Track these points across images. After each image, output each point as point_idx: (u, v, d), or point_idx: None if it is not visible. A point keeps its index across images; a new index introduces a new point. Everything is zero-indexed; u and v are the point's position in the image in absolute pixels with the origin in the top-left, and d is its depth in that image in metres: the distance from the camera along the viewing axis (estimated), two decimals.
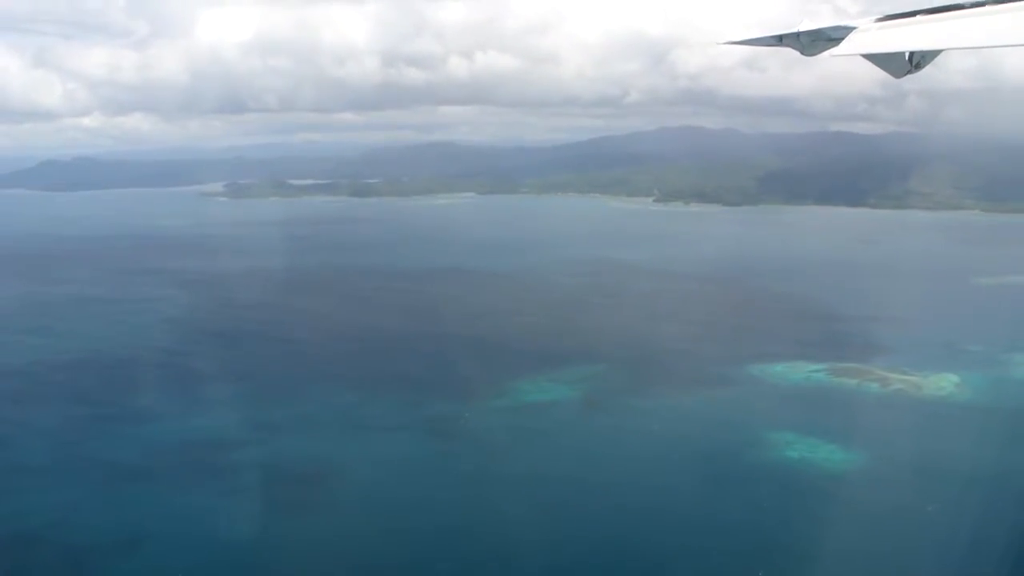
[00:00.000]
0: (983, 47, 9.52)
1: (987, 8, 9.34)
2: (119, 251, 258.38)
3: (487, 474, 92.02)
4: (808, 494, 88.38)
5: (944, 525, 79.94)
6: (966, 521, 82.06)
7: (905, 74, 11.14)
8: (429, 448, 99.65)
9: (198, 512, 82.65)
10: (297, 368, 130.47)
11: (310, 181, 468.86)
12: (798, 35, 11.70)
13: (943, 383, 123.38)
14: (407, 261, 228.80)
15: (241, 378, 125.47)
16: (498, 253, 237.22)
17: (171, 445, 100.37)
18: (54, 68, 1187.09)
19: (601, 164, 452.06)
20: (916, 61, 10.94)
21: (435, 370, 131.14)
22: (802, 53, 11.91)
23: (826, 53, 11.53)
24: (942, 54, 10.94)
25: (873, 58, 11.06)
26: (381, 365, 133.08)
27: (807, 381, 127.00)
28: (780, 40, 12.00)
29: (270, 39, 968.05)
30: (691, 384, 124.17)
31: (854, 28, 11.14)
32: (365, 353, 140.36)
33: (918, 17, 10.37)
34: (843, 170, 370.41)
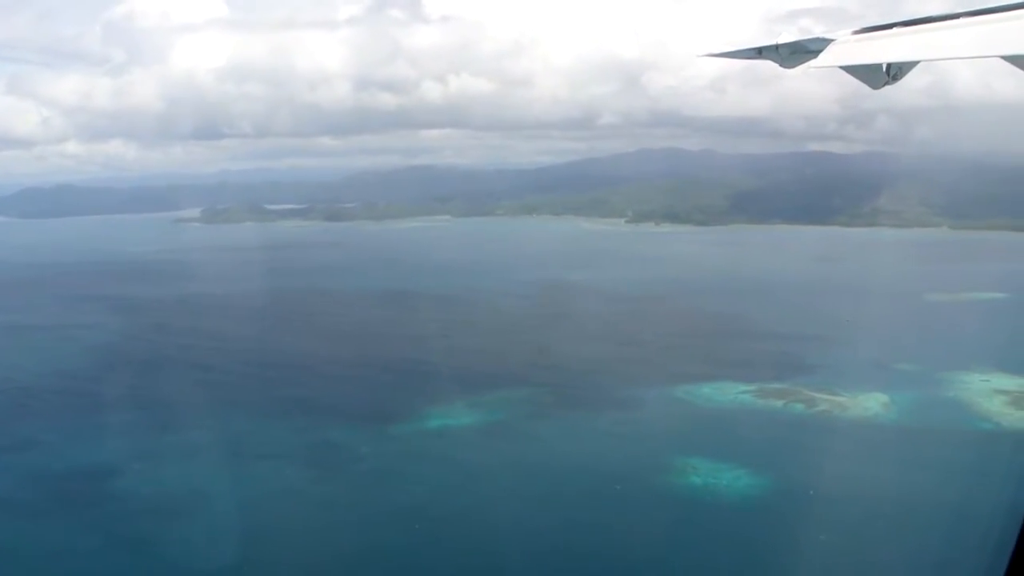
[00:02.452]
0: (958, 58, 9.80)
1: (961, 20, 9.27)
2: (73, 278, 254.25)
3: (360, 504, 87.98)
4: (694, 522, 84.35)
5: (827, 557, 76.19)
6: (855, 552, 78.66)
7: (883, 85, 11.29)
8: (306, 477, 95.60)
9: (39, 546, 78.51)
10: (203, 395, 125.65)
11: (286, 206, 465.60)
12: (777, 47, 11.76)
13: (870, 403, 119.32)
14: (359, 284, 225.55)
15: (141, 406, 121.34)
16: (453, 276, 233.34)
17: (40, 475, 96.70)
18: (29, 95, 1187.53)
19: (578, 186, 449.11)
20: (893, 73, 11.06)
21: (348, 396, 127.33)
22: (781, 65, 11.97)
23: (805, 65, 11.60)
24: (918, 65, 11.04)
25: (851, 70, 11.14)
26: (292, 391, 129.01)
27: (732, 403, 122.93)
28: (760, 53, 12.09)
29: (244, 65, 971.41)
30: (611, 407, 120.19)
31: (832, 40, 11.16)
32: (280, 379, 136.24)
33: (895, 29, 10.38)
34: (814, 189, 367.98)
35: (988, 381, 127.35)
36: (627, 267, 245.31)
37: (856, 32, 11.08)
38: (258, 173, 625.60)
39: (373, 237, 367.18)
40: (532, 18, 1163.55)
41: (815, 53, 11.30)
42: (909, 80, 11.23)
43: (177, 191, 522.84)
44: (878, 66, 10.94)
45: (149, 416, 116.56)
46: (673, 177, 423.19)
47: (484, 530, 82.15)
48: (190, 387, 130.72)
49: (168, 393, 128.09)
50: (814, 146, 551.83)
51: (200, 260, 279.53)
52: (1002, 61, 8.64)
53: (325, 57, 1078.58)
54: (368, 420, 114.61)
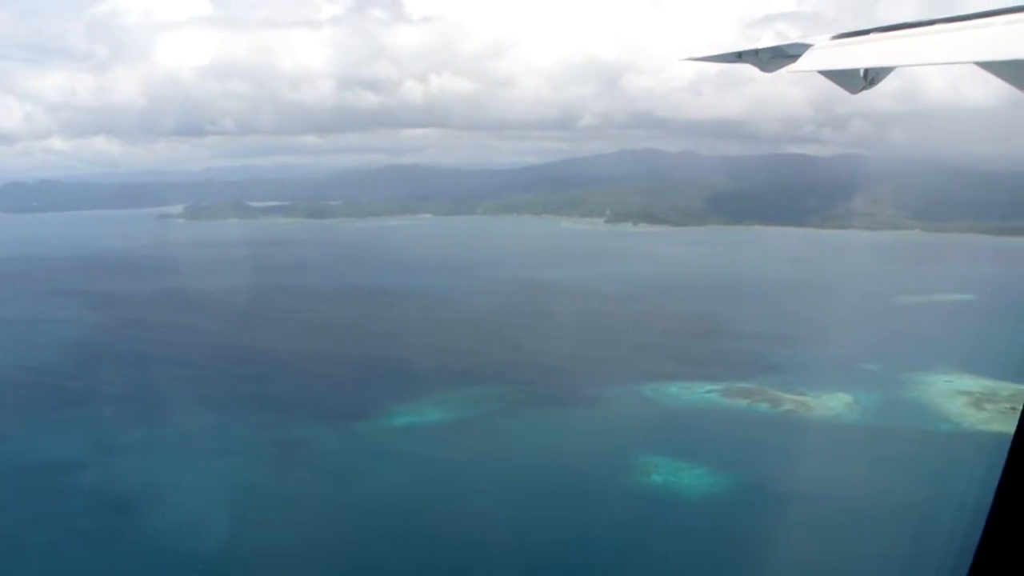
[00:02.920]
0: (934, 64, 9.74)
1: (937, 26, 9.39)
2: (51, 272, 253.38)
3: (320, 501, 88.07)
4: (652, 520, 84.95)
5: (784, 554, 76.90)
6: (813, 550, 79.36)
7: (860, 90, 11.34)
8: (268, 473, 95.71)
9: None
10: (172, 390, 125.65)
11: (269, 203, 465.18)
12: (756, 52, 11.93)
13: (834, 403, 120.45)
14: (336, 281, 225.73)
15: (108, 400, 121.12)
16: (430, 273, 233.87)
17: (2, 468, 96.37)
18: (12, 91, 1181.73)
19: (559, 186, 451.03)
20: (870, 77, 11.11)
21: (317, 392, 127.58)
22: (761, 69, 12.10)
23: (784, 69, 11.71)
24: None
25: (829, 74, 11.20)
26: (262, 387, 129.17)
27: (698, 401, 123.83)
28: (739, 57, 12.18)
29: (227, 63, 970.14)
30: (579, 405, 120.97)
31: (811, 45, 11.26)
32: (251, 375, 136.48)
33: (872, 35, 10.51)
34: (789, 191, 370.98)
35: (951, 382, 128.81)
36: (602, 266, 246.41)
37: (834, 37, 11.23)
38: (243, 170, 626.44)
39: (354, 234, 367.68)
40: (513, 19, 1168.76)
41: (794, 57, 11.46)
42: (884, 84, 11.38)
43: (162, 187, 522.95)
44: (855, 71, 11.03)
45: (116, 411, 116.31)
46: (652, 178, 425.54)
47: (443, 527, 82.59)
48: (159, 382, 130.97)
49: (136, 388, 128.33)
50: (792, 148, 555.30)
51: (180, 256, 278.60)
52: (975, 67, 8.73)
53: (308, 56, 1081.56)
54: (336, 417, 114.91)
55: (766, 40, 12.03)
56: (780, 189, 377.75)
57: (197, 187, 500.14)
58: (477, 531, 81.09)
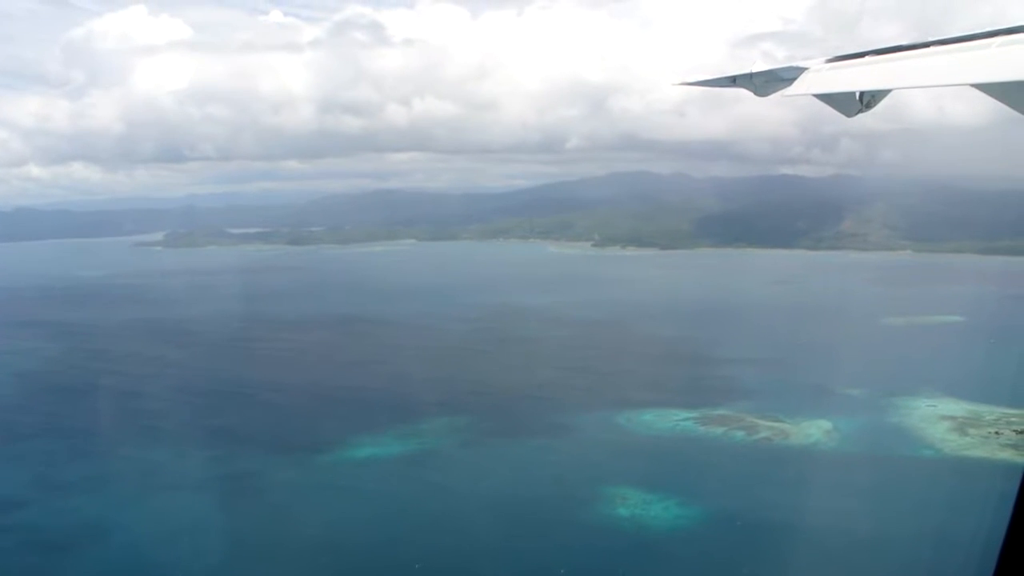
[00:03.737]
0: (929, 86, 9.95)
1: (932, 49, 9.40)
2: (17, 303, 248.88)
3: (265, 537, 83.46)
4: (610, 554, 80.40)
5: None
6: None
7: (856, 113, 11.23)
8: (213, 509, 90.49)
9: None
10: (126, 424, 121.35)
11: (250, 230, 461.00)
12: (751, 76, 11.90)
13: (812, 430, 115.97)
14: (307, 310, 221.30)
15: (58, 434, 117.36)
16: (405, 300, 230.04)
17: None
18: None
19: (548, 209, 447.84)
20: (867, 100, 11.02)
21: (277, 424, 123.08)
22: (755, 93, 12.06)
23: (779, 93, 11.71)
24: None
25: (825, 98, 11.15)
26: (220, 420, 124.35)
27: (672, 430, 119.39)
28: (734, 81, 12.21)
29: (206, 88, 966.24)
30: (548, 434, 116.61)
31: (806, 68, 11.28)
32: (210, 407, 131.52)
33: (867, 58, 10.50)
34: (780, 213, 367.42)
35: (935, 406, 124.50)
36: (585, 291, 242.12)
37: (829, 60, 11.13)
38: (226, 197, 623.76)
39: (333, 261, 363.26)
40: (496, 42, 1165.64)
41: (789, 81, 11.39)
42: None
43: (142, 215, 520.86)
44: (851, 94, 10.89)
45: (64, 445, 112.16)
46: (642, 201, 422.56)
47: (392, 563, 78.29)
48: (114, 415, 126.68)
49: (89, 422, 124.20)
50: (785, 170, 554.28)
51: (152, 285, 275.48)
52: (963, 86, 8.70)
53: (288, 80, 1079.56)
54: (294, 450, 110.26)
55: (760, 64, 11.99)
56: (771, 211, 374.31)
57: (178, 214, 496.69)
58: (426, 566, 76.92)
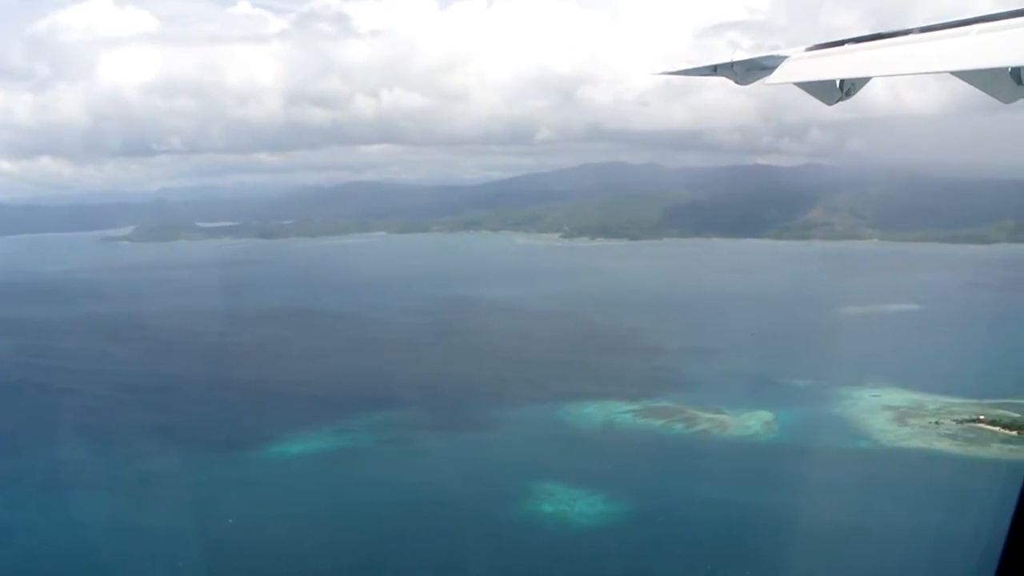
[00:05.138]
0: (909, 74, 10.12)
1: (911, 36, 9.43)
2: None
3: (164, 536, 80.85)
4: (524, 552, 78.63)
5: None
6: None
7: (837, 101, 11.17)
8: (120, 507, 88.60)
9: None
10: (51, 421, 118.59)
11: (220, 223, 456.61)
12: (732, 65, 11.85)
13: (752, 421, 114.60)
14: (262, 303, 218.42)
15: None
16: (362, 293, 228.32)
17: None
18: None
19: (519, 201, 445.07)
20: (847, 88, 10.99)
21: (208, 420, 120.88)
22: (736, 82, 12.02)
23: (760, 82, 11.69)
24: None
25: (805, 86, 11.11)
26: (150, 416, 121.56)
27: (611, 423, 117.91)
28: (715, 70, 12.10)
29: (173, 80, 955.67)
30: (484, 428, 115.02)
31: (786, 57, 11.22)
32: (143, 403, 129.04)
33: (847, 46, 10.45)
34: (750, 202, 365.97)
35: (879, 396, 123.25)
36: (545, 282, 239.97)
37: (809, 49, 11.11)
38: (199, 191, 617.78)
39: (299, 254, 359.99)
40: (465, 33, 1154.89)
41: (770, 70, 11.36)
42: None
43: (113, 209, 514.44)
44: (832, 82, 10.88)
45: None
46: (614, 191, 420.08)
47: (293, 563, 76.28)
48: (41, 413, 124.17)
49: (14, 420, 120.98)
50: (759, 159, 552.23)
51: (111, 280, 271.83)
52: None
53: (255, 72, 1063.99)
54: (222, 446, 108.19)
55: (740, 53, 11.95)
56: (741, 201, 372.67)
57: (148, 208, 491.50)
58: (335, 565, 75.16)
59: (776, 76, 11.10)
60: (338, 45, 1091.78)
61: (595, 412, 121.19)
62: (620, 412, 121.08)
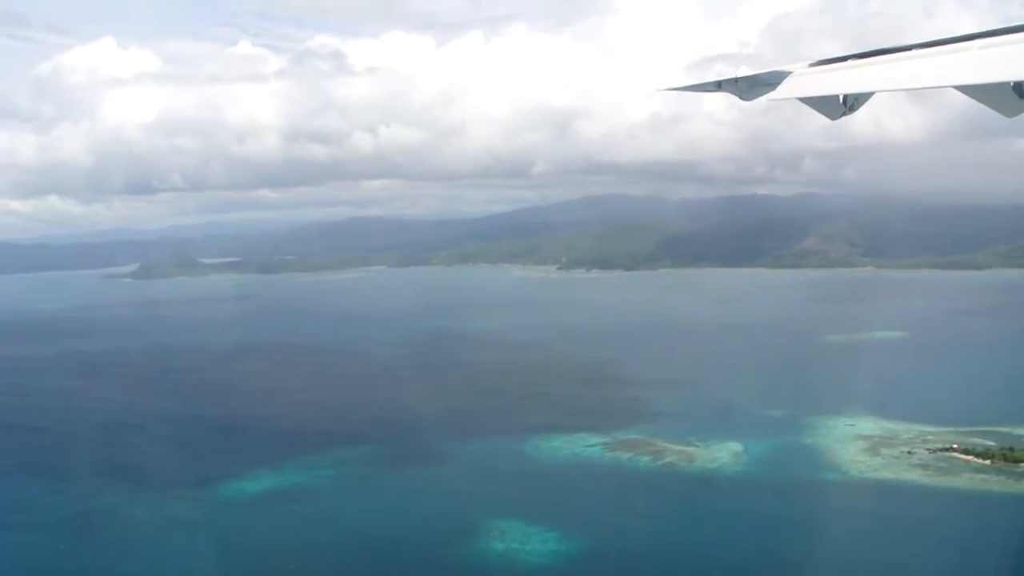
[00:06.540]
0: (911, 89, 10.19)
1: (913, 52, 9.58)
2: None
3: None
4: None
5: None
6: None
7: (840, 116, 11.32)
8: (52, 549, 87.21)
9: None
10: (9, 459, 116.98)
11: (222, 259, 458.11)
12: (736, 81, 11.84)
13: (720, 453, 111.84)
14: (249, 339, 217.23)
15: None
16: (348, 326, 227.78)
17: None
18: None
19: (517, 234, 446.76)
20: (850, 103, 11.10)
21: (169, 458, 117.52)
22: (740, 98, 11.95)
23: (764, 97, 11.63)
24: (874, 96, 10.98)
25: (809, 101, 11.28)
26: (109, 454, 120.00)
27: (576, 456, 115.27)
28: (719, 86, 12.11)
29: (174, 119, 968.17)
30: (446, 464, 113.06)
31: (790, 73, 11.32)
32: (107, 441, 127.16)
33: (849, 61, 10.63)
34: (745, 232, 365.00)
35: (853, 426, 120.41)
36: (532, 314, 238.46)
37: (812, 64, 11.19)
38: (206, 227, 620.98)
39: (296, 289, 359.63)
40: (461, 69, 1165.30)
41: (773, 86, 11.33)
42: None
43: (119, 246, 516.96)
44: (835, 97, 10.90)
45: None
46: (611, 223, 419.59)
47: None
48: (3, 452, 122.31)
49: None
50: (756, 189, 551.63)
51: (105, 317, 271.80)
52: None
53: (254, 110, 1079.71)
54: (174, 485, 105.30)
55: (744, 69, 11.96)
56: (736, 230, 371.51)
57: (155, 245, 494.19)
58: None
59: (780, 91, 11.17)
60: (336, 82, 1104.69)
61: (563, 445, 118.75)
62: (589, 445, 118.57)
